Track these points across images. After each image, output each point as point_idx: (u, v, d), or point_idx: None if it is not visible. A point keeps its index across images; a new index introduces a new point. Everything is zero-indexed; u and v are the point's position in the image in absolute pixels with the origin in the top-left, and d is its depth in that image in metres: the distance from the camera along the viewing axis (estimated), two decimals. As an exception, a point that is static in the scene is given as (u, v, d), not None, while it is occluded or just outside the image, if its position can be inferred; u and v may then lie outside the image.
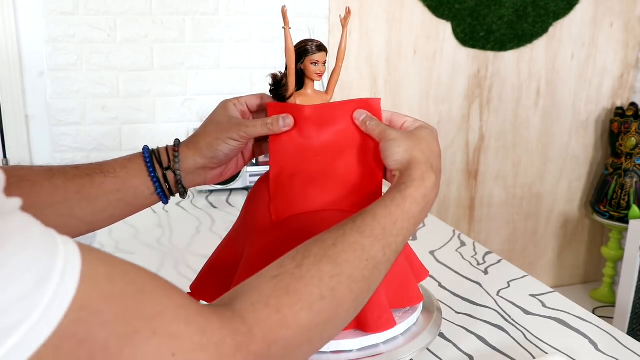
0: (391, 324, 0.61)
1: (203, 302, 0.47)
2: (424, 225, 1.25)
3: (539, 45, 2.04)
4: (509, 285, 0.94)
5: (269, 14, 1.72)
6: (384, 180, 0.62)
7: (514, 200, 2.19)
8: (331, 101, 0.64)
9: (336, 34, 1.76)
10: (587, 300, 2.25)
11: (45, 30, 1.55)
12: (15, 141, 1.58)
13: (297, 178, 0.61)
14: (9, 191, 0.30)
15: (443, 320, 0.71)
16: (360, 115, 0.61)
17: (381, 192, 0.60)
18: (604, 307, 2.18)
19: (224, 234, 0.68)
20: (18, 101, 1.56)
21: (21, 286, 0.28)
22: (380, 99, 0.62)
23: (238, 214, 0.68)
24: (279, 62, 1.38)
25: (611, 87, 2.19)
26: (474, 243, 1.14)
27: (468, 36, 1.95)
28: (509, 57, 2.02)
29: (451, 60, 1.96)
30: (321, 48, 0.61)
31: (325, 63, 0.61)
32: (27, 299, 0.28)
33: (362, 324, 0.60)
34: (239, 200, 1.43)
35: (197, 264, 0.73)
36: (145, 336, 0.32)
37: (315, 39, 0.61)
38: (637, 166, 2.10)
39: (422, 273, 0.69)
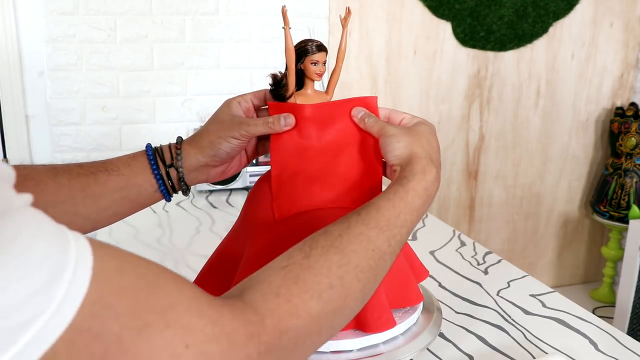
0: (391, 324, 0.61)
1: None
2: (424, 225, 1.25)
3: (539, 45, 2.04)
4: (509, 285, 0.94)
5: (269, 14, 1.72)
6: (383, 177, 0.63)
7: (514, 200, 2.19)
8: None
9: (336, 34, 1.76)
10: (587, 300, 2.25)
11: (45, 30, 1.55)
12: (15, 141, 1.58)
13: (299, 176, 0.62)
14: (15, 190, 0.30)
15: (443, 320, 0.71)
16: (358, 112, 0.61)
17: (381, 188, 0.60)
18: (604, 307, 2.18)
19: (224, 234, 0.69)
20: (18, 101, 1.56)
21: (35, 281, 0.28)
22: (376, 97, 0.62)
23: (238, 213, 0.68)
24: (279, 62, 1.38)
25: (611, 87, 2.19)
26: (474, 243, 1.14)
27: (468, 36, 1.94)
28: (509, 57, 2.02)
29: (451, 60, 1.96)
30: (321, 48, 0.61)
31: (325, 63, 0.62)
32: (41, 294, 0.28)
33: (362, 324, 0.60)
34: (239, 200, 1.43)
35: (197, 264, 0.73)
36: (158, 329, 0.32)
37: (315, 39, 0.61)
38: (637, 166, 2.10)
39: (422, 273, 0.69)
